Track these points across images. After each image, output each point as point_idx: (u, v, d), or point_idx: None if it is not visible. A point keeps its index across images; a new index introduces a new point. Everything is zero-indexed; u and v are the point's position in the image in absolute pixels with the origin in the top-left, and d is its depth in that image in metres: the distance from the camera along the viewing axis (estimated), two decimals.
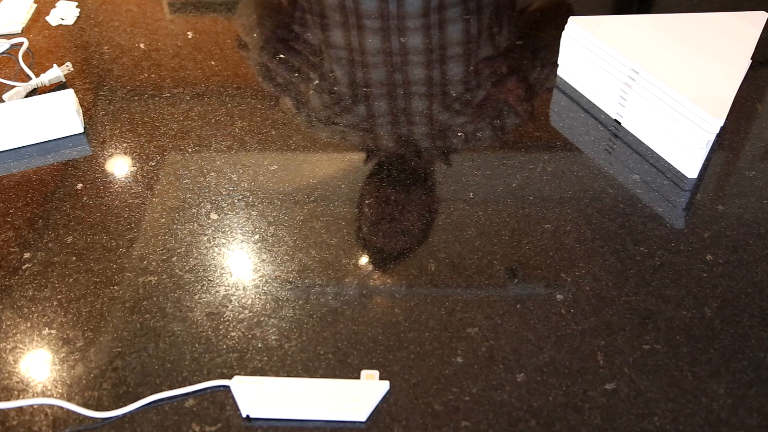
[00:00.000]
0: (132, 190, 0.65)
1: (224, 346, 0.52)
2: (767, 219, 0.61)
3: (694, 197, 0.63)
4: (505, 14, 0.89)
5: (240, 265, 0.58)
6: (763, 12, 0.75)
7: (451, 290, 0.56)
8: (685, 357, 0.51)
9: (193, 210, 0.63)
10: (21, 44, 0.85)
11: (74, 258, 0.59)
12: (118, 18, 0.92)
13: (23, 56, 0.84)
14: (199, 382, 0.50)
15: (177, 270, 0.58)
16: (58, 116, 0.70)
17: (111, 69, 0.82)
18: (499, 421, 0.47)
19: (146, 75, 0.81)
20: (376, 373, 0.50)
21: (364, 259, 0.58)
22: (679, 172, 0.66)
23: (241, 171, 0.67)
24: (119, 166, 0.68)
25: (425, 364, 0.50)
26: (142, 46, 0.86)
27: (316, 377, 0.50)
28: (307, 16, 0.90)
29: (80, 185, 0.66)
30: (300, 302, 0.55)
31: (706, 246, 0.59)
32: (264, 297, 0.56)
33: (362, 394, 0.48)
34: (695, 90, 0.64)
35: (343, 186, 0.65)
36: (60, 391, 0.50)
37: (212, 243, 0.60)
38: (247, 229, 0.61)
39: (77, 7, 0.94)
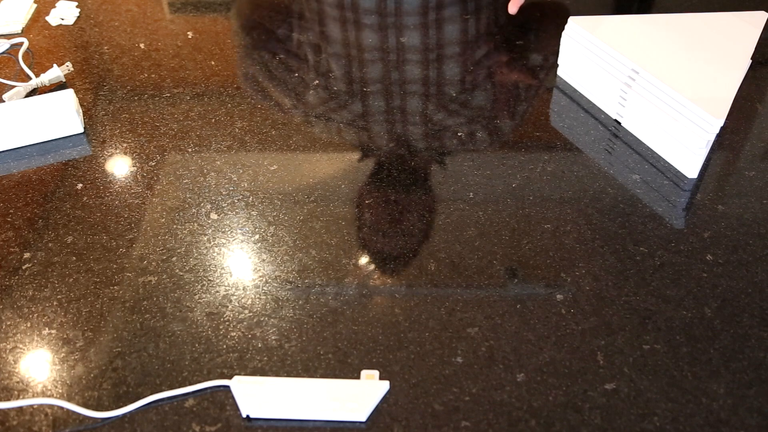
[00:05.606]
0: (132, 190, 0.65)
1: (224, 346, 0.52)
2: (767, 219, 0.61)
3: (694, 197, 0.63)
4: (504, 14, 0.89)
5: (240, 265, 0.58)
6: (763, 12, 0.75)
7: (451, 290, 0.56)
8: (685, 357, 0.51)
9: (193, 210, 0.63)
10: (21, 44, 0.85)
11: (74, 258, 0.59)
12: (118, 18, 0.92)
13: (23, 56, 0.84)
14: (199, 382, 0.50)
15: (177, 270, 0.58)
16: (58, 116, 0.70)
17: (111, 69, 0.82)
18: (499, 421, 0.47)
19: (146, 75, 0.81)
20: (376, 373, 0.50)
21: (364, 259, 0.58)
22: (679, 172, 0.66)
23: (241, 171, 0.67)
24: (119, 166, 0.68)
25: (425, 364, 0.50)
26: (142, 46, 0.86)
27: (316, 377, 0.50)
28: (306, 13, 0.90)
29: (80, 185, 0.66)
30: (300, 302, 0.55)
31: (706, 246, 0.59)
32: (264, 297, 0.56)
33: (362, 394, 0.48)
34: (695, 90, 0.64)
35: (343, 186, 0.65)
36: (60, 391, 0.50)
37: (212, 243, 0.60)
38: (247, 229, 0.61)
39: (77, 7, 0.94)
